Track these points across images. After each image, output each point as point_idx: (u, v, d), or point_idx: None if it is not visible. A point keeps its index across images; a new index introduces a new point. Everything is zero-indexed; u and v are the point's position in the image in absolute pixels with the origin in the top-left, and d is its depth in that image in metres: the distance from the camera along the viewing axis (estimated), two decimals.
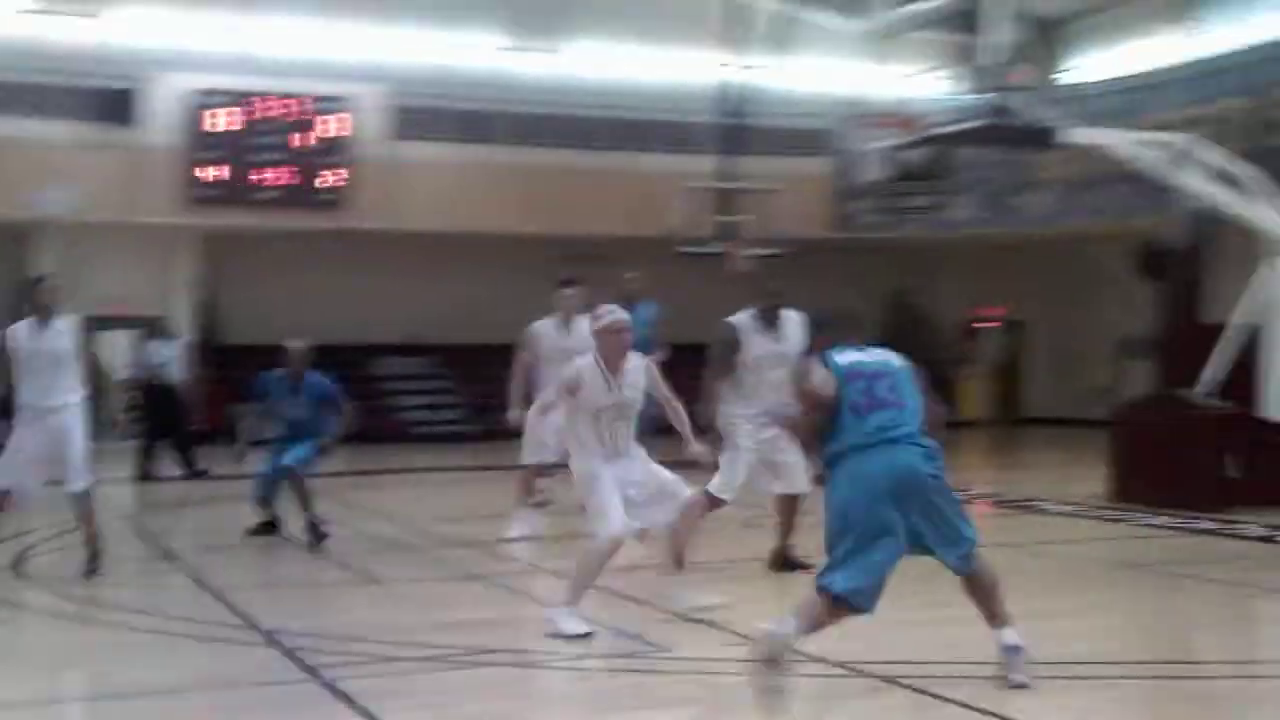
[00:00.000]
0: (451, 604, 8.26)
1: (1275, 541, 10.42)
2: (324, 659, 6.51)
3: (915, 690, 5.82)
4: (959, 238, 26.10)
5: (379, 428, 24.48)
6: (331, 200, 24.22)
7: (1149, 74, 23.06)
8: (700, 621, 7.31)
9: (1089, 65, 26.53)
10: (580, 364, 7.39)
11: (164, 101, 23.39)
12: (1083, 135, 14.97)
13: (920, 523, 5.84)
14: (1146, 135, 14.90)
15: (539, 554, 10.02)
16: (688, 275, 22.39)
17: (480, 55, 26.38)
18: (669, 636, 7.06)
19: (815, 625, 5.78)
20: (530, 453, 10.69)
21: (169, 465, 16.64)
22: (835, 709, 5.89)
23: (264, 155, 23.84)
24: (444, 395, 26.45)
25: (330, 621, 7.62)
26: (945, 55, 22.67)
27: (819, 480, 6.35)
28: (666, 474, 7.40)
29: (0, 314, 22.69)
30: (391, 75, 25.06)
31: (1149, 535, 10.99)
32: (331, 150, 24.19)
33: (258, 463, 10.92)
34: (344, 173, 24.16)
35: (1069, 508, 12.77)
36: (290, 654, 6.69)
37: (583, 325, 10.70)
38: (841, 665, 6.31)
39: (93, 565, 9.10)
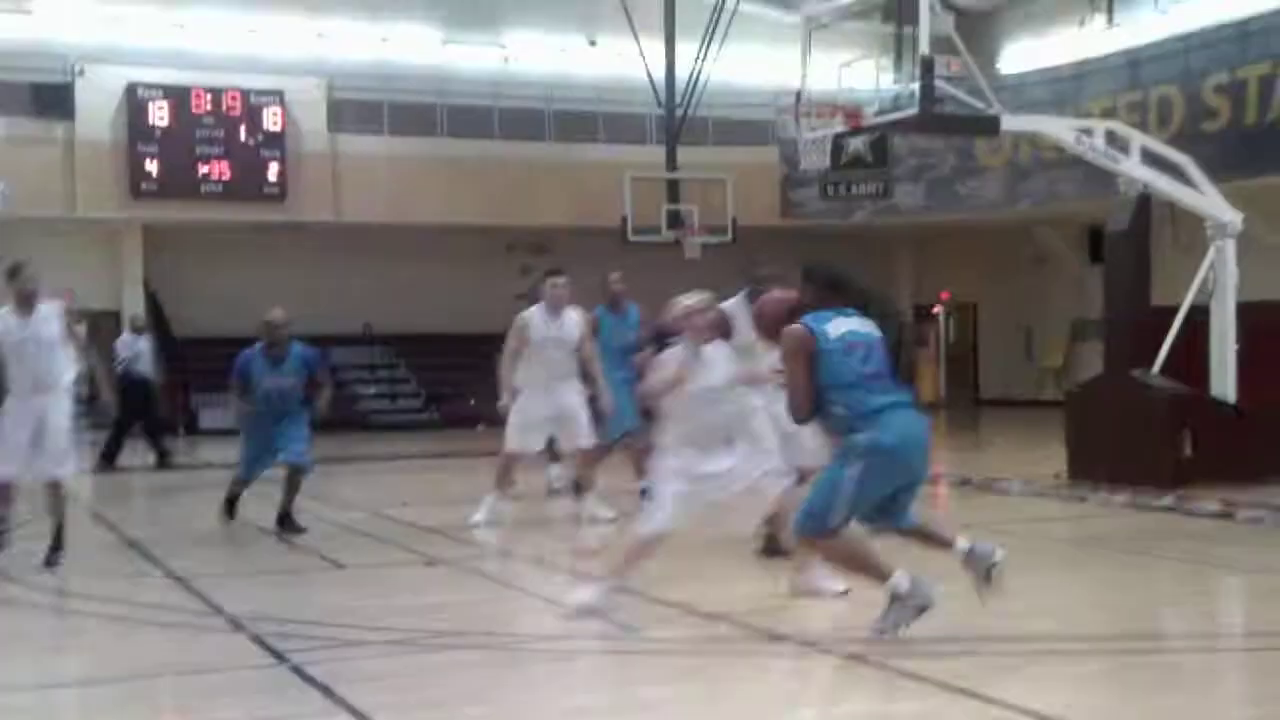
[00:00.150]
0: (417, 588, 8.19)
1: (1230, 518, 10.56)
2: (290, 644, 6.43)
3: (884, 668, 5.82)
4: (907, 224, 26.31)
5: (336, 417, 24.39)
6: (274, 194, 24.05)
7: (1082, 63, 23.35)
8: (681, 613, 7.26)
9: (1022, 55, 26.83)
10: (678, 354, 7.21)
11: (101, 95, 23.10)
12: (1021, 123, 15.11)
13: (905, 491, 6.29)
14: (1083, 122, 15.07)
15: (505, 538, 9.95)
16: (637, 265, 22.35)
17: (420, 48, 26.26)
18: (639, 618, 7.02)
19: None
20: (514, 441, 10.66)
21: (137, 456, 16.62)
22: (804, 688, 5.88)
23: (204, 149, 23.64)
24: (400, 384, 26.37)
25: (296, 607, 7.54)
26: (881, 45, 22.87)
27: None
28: (758, 471, 7.19)
29: None
30: (330, 69, 24.93)
31: (1108, 514, 11.09)
32: (272, 144, 24.00)
33: (244, 443, 10.67)
34: (285, 166, 23.98)
35: (1029, 487, 12.87)
36: (257, 639, 6.62)
37: (570, 314, 10.68)
38: (810, 644, 6.32)
39: (54, 557, 8.98)
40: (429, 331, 26.18)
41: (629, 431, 11.47)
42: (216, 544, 9.39)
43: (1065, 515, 11.38)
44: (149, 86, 23.41)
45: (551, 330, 10.66)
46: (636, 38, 24.98)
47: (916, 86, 13.48)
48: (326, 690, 5.58)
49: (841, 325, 6.32)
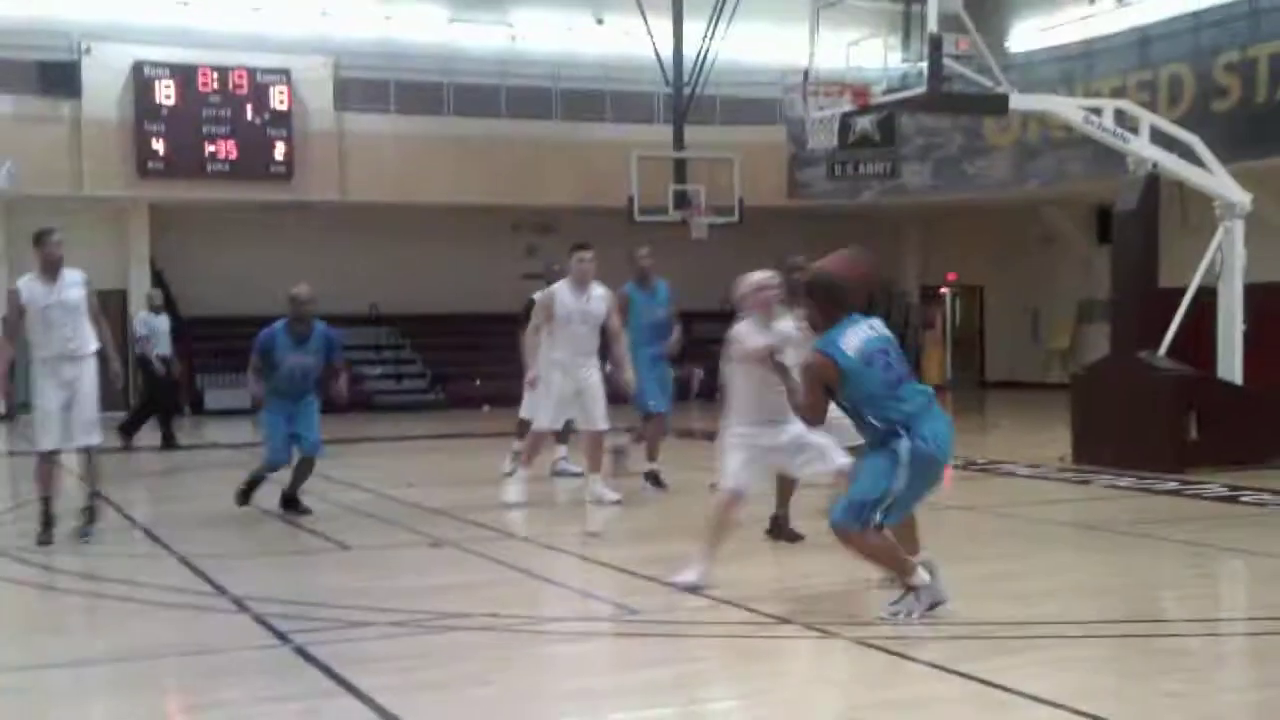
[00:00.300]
0: (421, 570, 8.20)
1: (1236, 501, 10.54)
2: (294, 625, 6.45)
3: (888, 652, 5.82)
4: (914, 204, 26.24)
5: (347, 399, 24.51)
6: (280, 173, 24.02)
7: (1091, 41, 23.24)
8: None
9: (1031, 33, 26.71)
10: (747, 328, 7.35)
11: (108, 74, 23.06)
12: (1030, 102, 15.05)
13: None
14: (1092, 101, 15.01)
15: (506, 519, 9.94)
16: (643, 245, 22.32)
17: (426, 26, 26.18)
18: (641, 600, 7.03)
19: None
20: (546, 418, 10.70)
21: (143, 436, 16.66)
22: (808, 671, 5.88)
23: (211, 128, 23.61)
24: (405, 365, 26.40)
25: (300, 588, 7.55)
26: (889, 23, 22.78)
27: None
28: (819, 439, 7.33)
29: None
30: (336, 47, 24.88)
31: (1113, 496, 11.08)
32: (278, 123, 23.97)
33: (271, 425, 10.33)
34: (291, 145, 23.95)
35: (1034, 470, 12.85)
36: (260, 620, 6.63)
37: (597, 289, 10.64)
38: (814, 628, 6.31)
39: (88, 529, 9.13)
40: (435, 312, 26.20)
41: (651, 412, 11.49)
42: (221, 525, 9.40)
43: (1070, 498, 11.36)
44: (155, 65, 23.36)
45: (578, 305, 10.59)
46: (644, 16, 24.88)
47: (924, 65, 13.44)
48: (329, 671, 5.60)
49: (855, 338, 6.41)
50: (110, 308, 20.15)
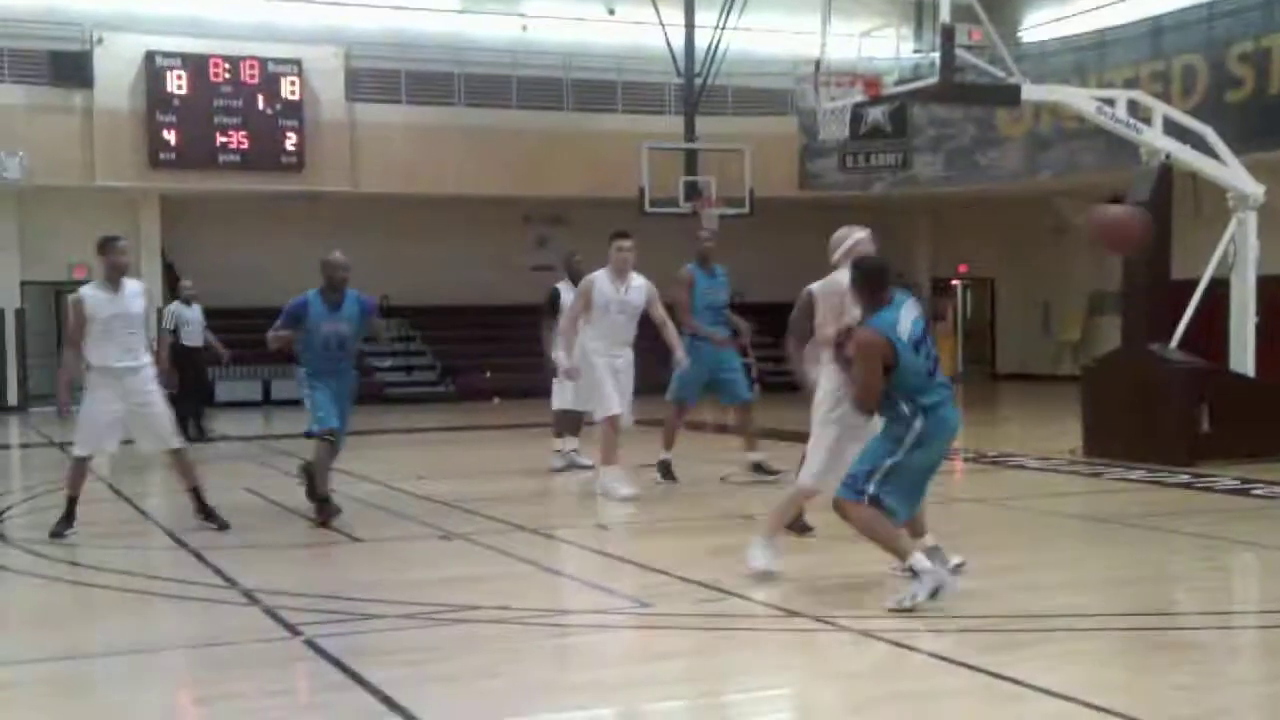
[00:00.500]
0: (432, 562, 8.20)
1: (1248, 494, 10.51)
2: (305, 617, 6.46)
3: (897, 645, 5.81)
4: (925, 195, 26.18)
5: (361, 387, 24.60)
6: (291, 164, 24.04)
7: (1104, 31, 23.14)
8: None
9: (1044, 23, 26.61)
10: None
11: (120, 64, 23.09)
12: (1042, 92, 14.99)
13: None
14: (1105, 92, 14.95)
15: (516, 512, 9.94)
16: (653, 236, 22.33)
17: (437, 16, 26.18)
18: (649, 592, 7.04)
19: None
20: (613, 405, 10.56)
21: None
22: (817, 663, 5.87)
23: (222, 118, 23.63)
24: (415, 357, 26.43)
25: (310, 580, 7.57)
26: (901, 13, 22.70)
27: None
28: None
29: None
30: (348, 37, 24.89)
31: (1124, 489, 11.05)
32: (289, 113, 23.98)
33: (318, 393, 9.63)
34: (302, 136, 23.97)
35: (1044, 462, 12.82)
36: (271, 612, 6.64)
37: (636, 278, 10.61)
38: (820, 619, 6.31)
39: (217, 518, 9.20)
40: (445, 304, 26.24)
41: (678, 401, 11.38)
42: (232, 517, 9.39)
43: (1080, 490, 11.34)
44: (167, 55, 23.39)
45: (617, 294, 10.58)
46: (655, 6, 24.84)
47: (937, 55, 13.38)
48: (339, 664, 5.60)
49: (905, 321, 6.52)
50: None
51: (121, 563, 8.28)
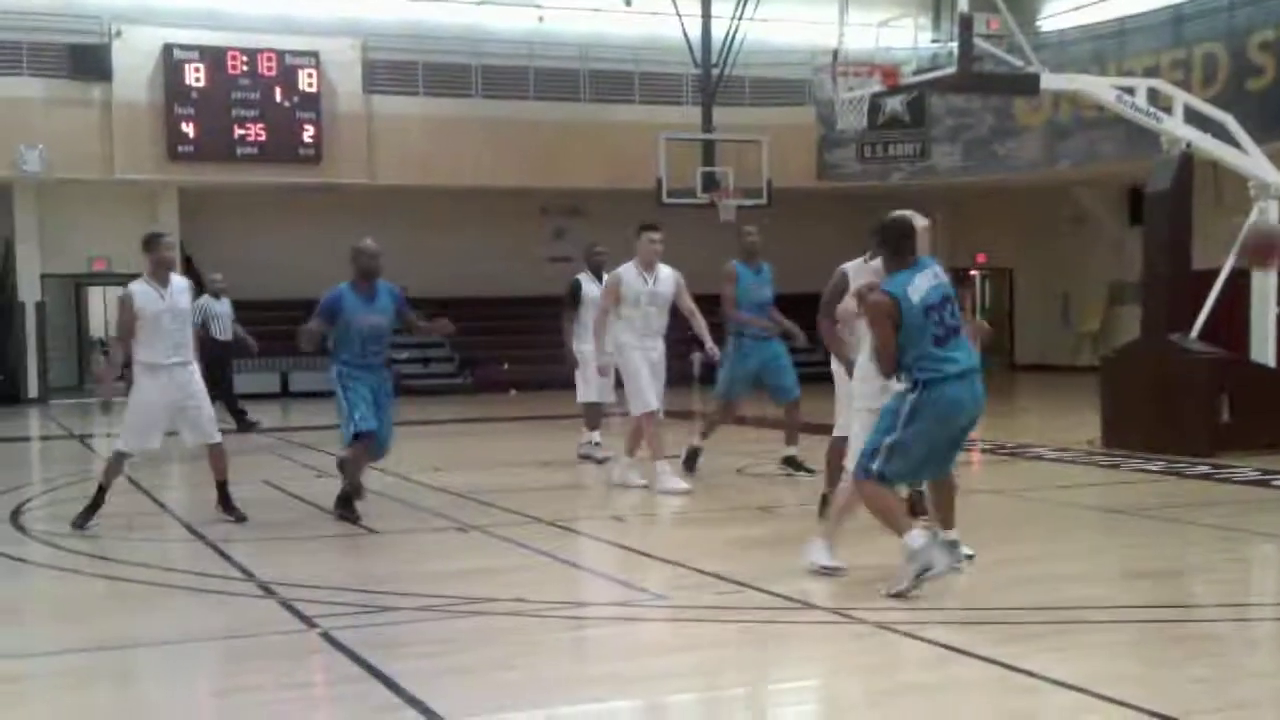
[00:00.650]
0: (447, 554, 8.21)
1: (1268, 485, 10.45)
2: (322, 609, 6.48)
3: (912, 637, 5.80)
4: (944, 185, 26.10)
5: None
6: (309, 156, 24.08)
7: (1124, 20, 23.02)
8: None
9: (1063, 12, 26.48)
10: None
11: (138, 56, 23.16)
12: (1061, 81, 14.92)
13: (955, 443, 6.81)
14: (1125, 80, 14.87)
15: (533, 504, 9.95)
16: (670, 228, 22.28)
17: (454, 8, 26.19)
18: (666, 585, 7.04)
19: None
20: (650, 401, 10.46)
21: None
22: (831, 655, 5.86)
23: (240, 111, 23.68)
24: (432, 348, 26.45)
25: (327, 572, 7.58)
26: (919, 2, 22.61)
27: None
28: None
29: None
30: (365, 29, 24.91)
31: (1143, 480, 10.99)
32: (307, 105, 24.02)
33: (356, 395, 9.27)
34: (320, 128, 24.01)
35: (1063, 453, 12.77)
36: (288, 605, 6.67)
37: (664, 269, 10.57)
38: (834, 611, 6.30)
39: (237, 511, 9.26)
40: (462, 295, 26.25)
41: (723, 399, 11.30)
42: (249, 510, 9.42)
43: (1099, 482, 11.28)
44: (185, 48, 23.45)
45: (646, 286, 10.53)
46: None
47: (955, 45, 13.35)
48: (355, 656, 5.61)
49: (921, 286, 6.57)
50: None
51: (139, 555, 8.32)
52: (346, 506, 9.32)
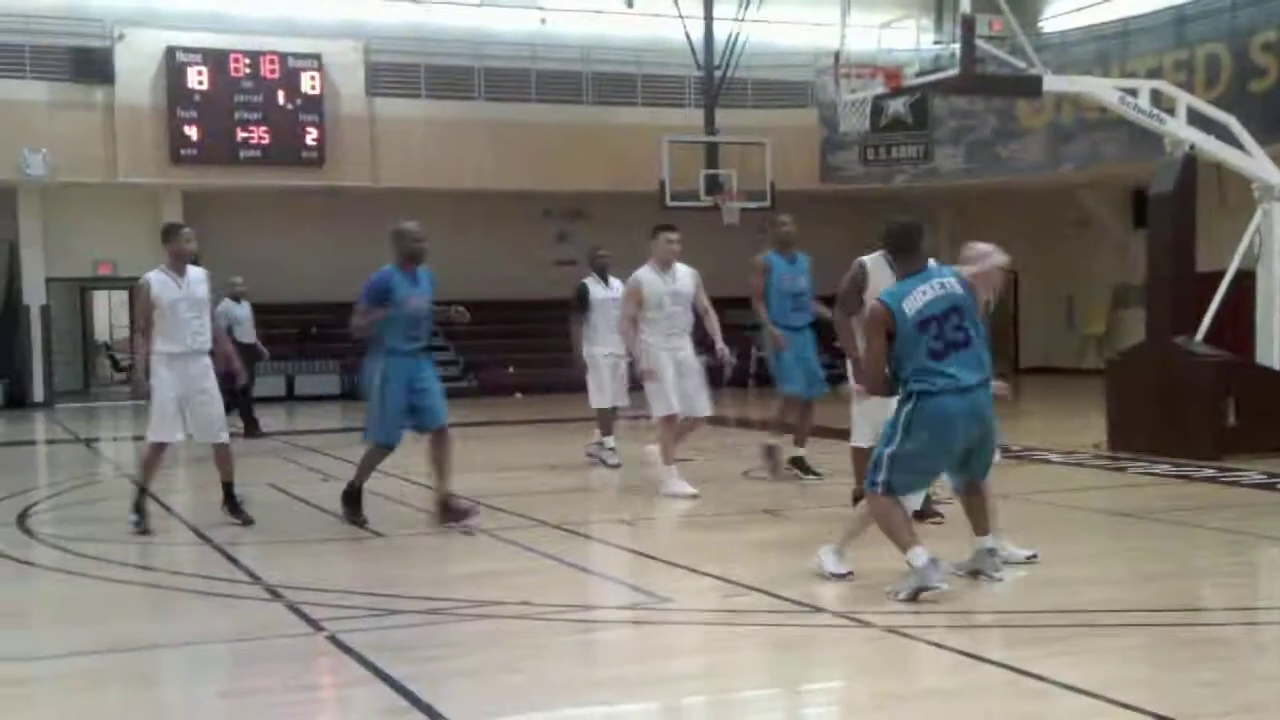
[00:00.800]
0: (453, 558, 8.21)
1: (1275, 489, 10.42)
2: (328, 612, 6.46)
3: (921, 640, 5.79)
4: (947, 188, 26.10)
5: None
6: (312, 158, 24.09)
7: (1127, 21, 23.03)
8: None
9: (1066, 13, 26.48)
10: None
11: (140, 59, 23.18)
12: (1064, 83, 14.91)
13: (972, 454, 6.70)
14: (1128, 82, 14.87)
15: (539, 507, 9.94)
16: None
17: (456, 10, 26.20)
18: (672, 588, 7.03)
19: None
20: (671, 404, 10.37)
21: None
22: (840, 659, 5.85)
23: (243, 114, 23.70)
24: (437, 351, 26.38)
25: (333, 576, 7.57)
26: (921, 4, 22.59)
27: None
28: None
29: None
30: (368, 32, 24.93)
31: (1149, 483, 10.97)
32: (310, 108, 24.04)
33: (391, 396, 9.03)
34: (323, 131, 24.03)
35: (1068, 457, 12.75)
36: (294, 608, 6.66)
37: (681, 267, 10.52)
38: (843, 615, 6.29)
39: (243, 512, 9.23)
40: (466, 298, 26.13)
41: (790, 394, 11.07)
42: (255, 513, 9.41)
43: (1104, 485, 11.28)
44: (188, 51, 23.47)
45: (667, 286, 10.44)
46: None
47: (957, 46, 13.34)
48: (362, 659, 5.60)
49: (920, 298, 6.50)
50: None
51: (146, 558, 8.33)
52: (352, 507, 9.25)
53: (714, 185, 23.79)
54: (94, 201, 24.00)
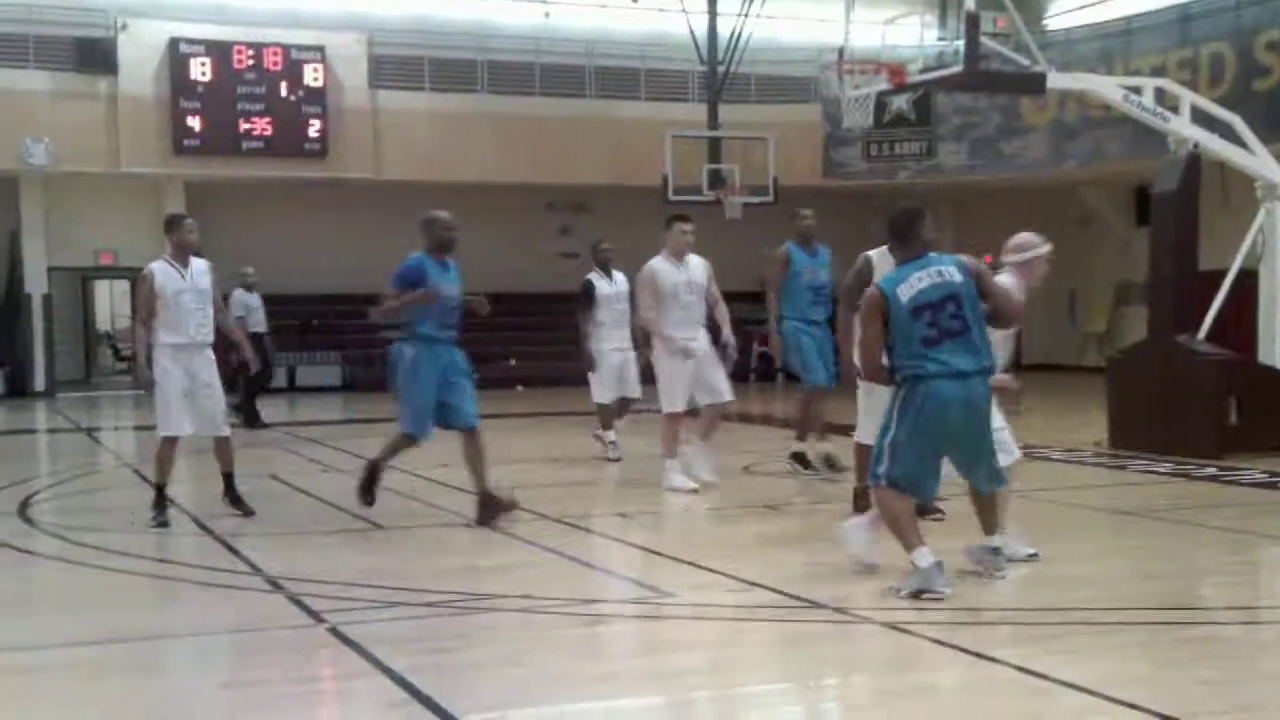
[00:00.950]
0: (454, 550, 8.22)
1: (1276, 487, 10.42)
2: (328, 604, 6.48)
3: (921, 637, 5.79)
4: (950, 184, 26.09)
5: (376, 377, 24.56)
6: (315, 150, 24.09)
7: (1131, 19, 23.01)
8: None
9: (1070, 10, 26.45)
10: (1010, 282, 7.46)
11: (144, 50, 23.18)
12: (1068, 81, 14.90)
13: (965, 448, 6.63)
14: (1132, 80, 14.86)
15: (540, 501, 9.95)
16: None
17: (460, 3, 26.20)
18: (674, 582, 7.03)
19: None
20: (678, 402, 10.32)
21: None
22: (839, 655, 5.85)
23: (246, 105, 23.70)
24: None
25: (334, 568, 7.56)
26: (926, 0, 22.56)
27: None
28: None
29: None
30: (371, 24, 24.92)
31: (1150, 482, 10.97)
32: (313, 100, 24.03)
33: (423, 387, 8.89)
34: (326, 122, 24.02)
35: (1069, 454, 12.75)
36: (295, 599, 6.66)
37: (693, 258, 10.48)
38: (843, 610, 6.29)
39: (243, 505, 9.24)
40: (468, 291, 26.23)
41: (812, 385, 10.98)
42: (256, 504, 9.41)
43: (1105, 483, 11.28)
44: (191, 42, 23.46)
45: (682, 276, 10.36)
46: None
47: (961, 43, 13.33)
48: (363, 651, 5.60)
49: (915, 285, 6.49)
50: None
51: (148, 549, 8.32)
52: (366, 484, 9.12)
53: (717, 180, 23.77)
54: (96, 191, 24.01)
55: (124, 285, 26.27)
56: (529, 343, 25.30)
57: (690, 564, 7.42)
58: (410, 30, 25.14)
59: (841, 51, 15.51)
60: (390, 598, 6.64)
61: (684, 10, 24.89)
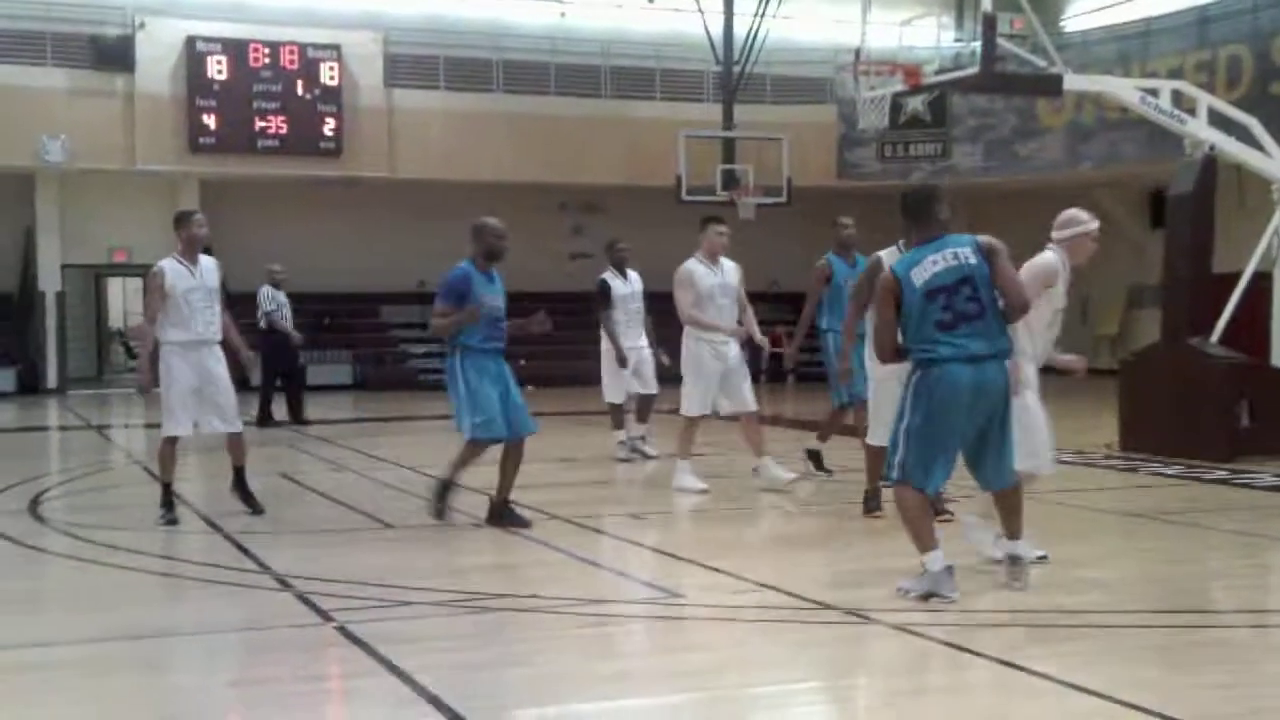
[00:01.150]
0: (463, 549, 8.22)
1: None
2: (336, 603, 6.48)
3: (931, 639, 5.77)
4: (965, 185, 26.03)
5: (386, 376, 24.60)
6: (330, 149, 24.13)
7: (1149, 21, 22.94)
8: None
9: (1087, 12, 26.38)
10: (1053, 259, 7.47)
11: (161, 49, 23.26)
12: (1085, 82, 14.87)
13: (984, 439, 6.51)
14: (1149, 82, 14.82)
15: (549, 500, 9.95)
16: (690, 226, 22.19)
17: (476, 2, 26.23)
18: (683, 583, 7.03)
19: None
20: (697, 406, 10.26)
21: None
22: (848, 656, 5.84)
23: (262, 103, 23.76)
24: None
25: (343, 566, 7.57)
26: (942, 1, 22.51)
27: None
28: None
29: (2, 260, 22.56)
30: (387, 23, 24.96)
31: (1162, 484, 10.94)
32: (328, 98, 24.08)
33: (485, 392, 8.74)
34: (341, 121, 24.06)
35: (1080, 457, 12.71)
36: (303, 598, 6.67)
37: (726, 260, 10.41)
38: (851, 612, 6.28)
39: (254, 503, 9.24)
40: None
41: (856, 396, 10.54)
42: (266, 503, 9.42)
43: (1116, 485, 11.23)
44: (208, 40, 23.54)
45: (717, 277, 10.29)
46: None
47: (978, 44, 13.32)
48: (370, 650, 5.61)
49: (929, 268, 6.39)
50: None
51: (156, 546, 8.34)
52: (438, 498, 8.93)
53: (730, 181, 23.76)
54: (111, 189, 24.09)
55: (137, 283, 26.33)
56: (540, 342, 25.25)
57: (699, 564, 7.42)
58: (426, 29, 25.18)
59: (858, 52, 15.50)
60: (399, 597, 6.65)
61: (700, 10, 24.88)
